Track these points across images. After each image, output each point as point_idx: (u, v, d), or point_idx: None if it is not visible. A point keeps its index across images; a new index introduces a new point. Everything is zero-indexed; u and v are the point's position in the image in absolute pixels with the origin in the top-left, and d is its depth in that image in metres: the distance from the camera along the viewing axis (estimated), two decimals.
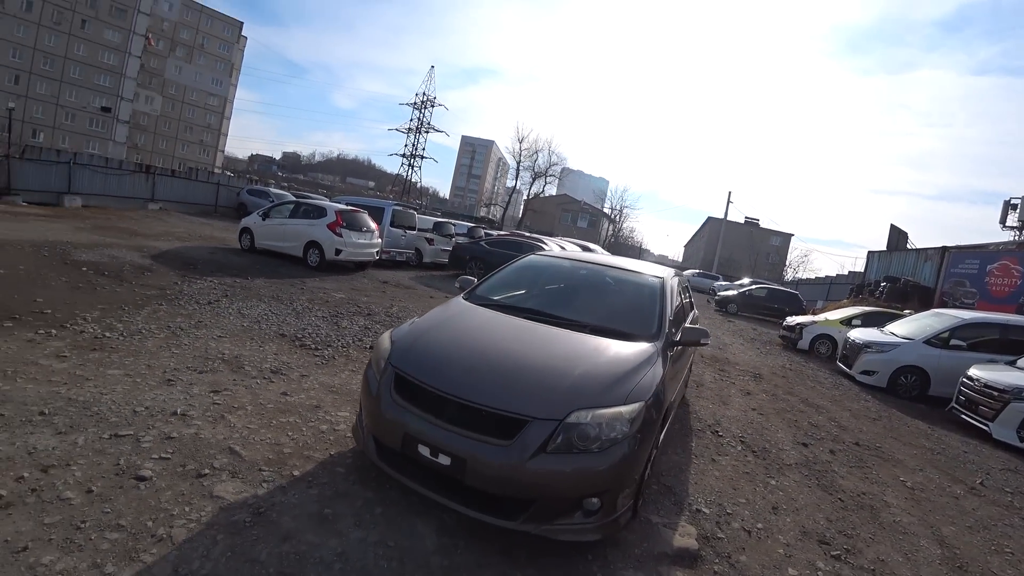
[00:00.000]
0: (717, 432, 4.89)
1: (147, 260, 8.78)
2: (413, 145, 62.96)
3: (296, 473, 2.75)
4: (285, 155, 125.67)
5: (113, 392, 3.38)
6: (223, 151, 75.63)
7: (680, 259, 79.97)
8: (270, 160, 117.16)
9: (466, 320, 3.12)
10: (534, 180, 47.76)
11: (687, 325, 3.50)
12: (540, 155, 47.79)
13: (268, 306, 6.98)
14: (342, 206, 12.66)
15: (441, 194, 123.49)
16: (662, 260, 78.59)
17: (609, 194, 65.83)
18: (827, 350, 12.24)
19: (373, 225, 12.63)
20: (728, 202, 42.71)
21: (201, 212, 23.12)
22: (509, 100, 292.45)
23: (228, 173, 55.97)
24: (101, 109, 53.52)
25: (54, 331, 4.47)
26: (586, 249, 20.62)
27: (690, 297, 5.42)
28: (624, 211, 61.96)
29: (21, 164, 17.00)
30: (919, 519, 3.74)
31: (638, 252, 65.58)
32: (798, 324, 13.10)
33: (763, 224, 61.71)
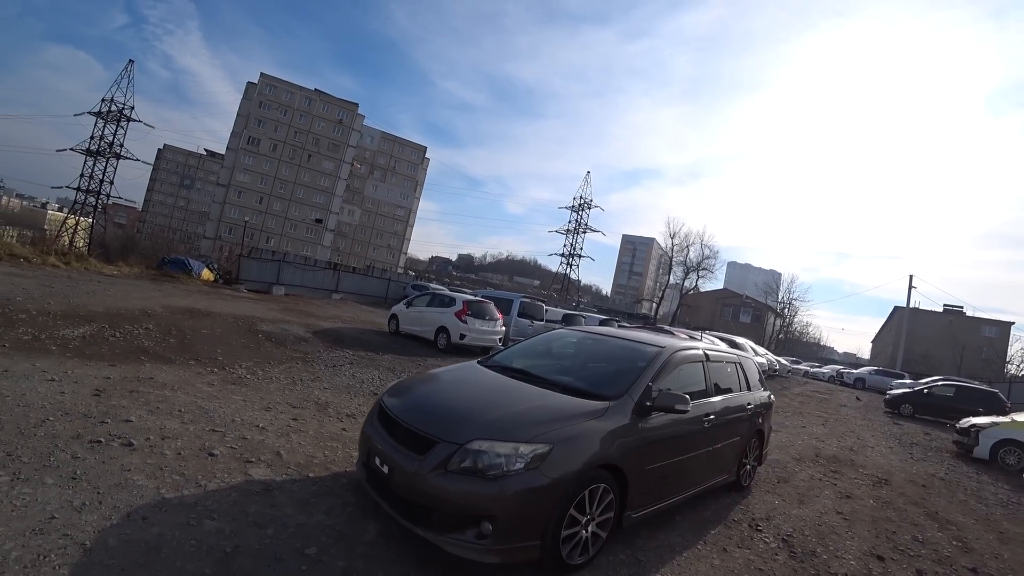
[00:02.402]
0: (756, 526, 4.44)
1: (308, 334, 11.26)
2: (571, 245, 67.57)
3: (311, 475, 3.70)
4: (460, 256, 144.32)
5: (228, 408, 4.88)
6: (406, 253, 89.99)
7: (868, 356, 67.61)
8: (447, 261, 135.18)
9: (456, 374, 3.94)
10: (686, 274, 46.94)
11: (670, 391, 3.62)
12: (691, 249, 47.22)
13: (380, 373, 8.50)
14: (469, 297, 14.63)
15: (604, 292, 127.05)
16: (847, 359, 67.45)
17: (782, 286, 60.53)
18: (1017, 460, 9.45)
19: (497, 315, 14.16)
20: (910, 287, 36.19)
21: (372, 302, 27.65)
22: (671, 198, 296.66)
23: (411, 272, 67.44)
24: (315, 221, 69.74)
25: (216, 370, 6.42)
26: (732, 344, 19.59)
27: (742, 376, 5.29)
28: (793, 304, 56.07)
29: (247, 262, 23.18)
30: None
31: (815, 349, 57.51)
32: (973, 426, 10.40)
33: (970, 312, 50.11)
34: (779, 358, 25.47)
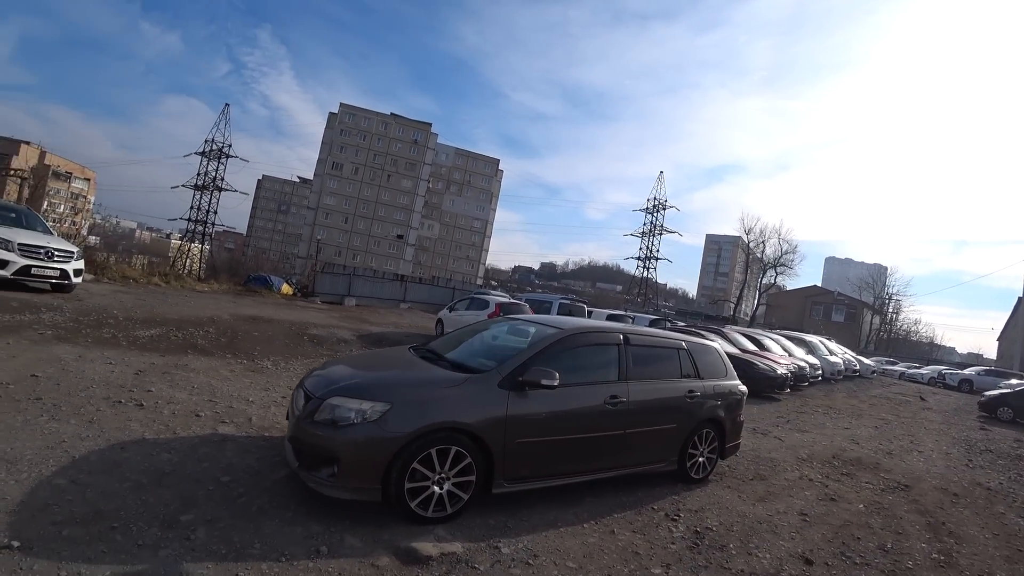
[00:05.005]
0: (674, 516, 4.32)
1: (353, 337, 12.70)
2: (647, 248, 66.97)
3: (267, 435, 4.78)
4: (543, 265, 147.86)
5: (232, 387, 6.17)
6: (485, 264, 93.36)
7: (995, 356, 58.79)
8: (529, 270, 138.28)
9: (373, 353, 4.77)
10: (764, 272, 44.75)
11: (544, 368, 3.93)
12: (767, 245, 44.95)
13: None
14: (501, 299, 15.67)
15: (690, 294, 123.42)
16: (968, 360, 59.18)
17: (887, 281, 55.21)
18: None
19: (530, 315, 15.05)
20: None
21: (438, 310, 29.36)
22: (758, 194, 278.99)
23: (492, 282, 70.86)
24: (397, 237, 74.93)
25: (244, 361, 7.85)
26: (801, 343, 18.77)
27: (687, 362, 5.31)
28: (894, 300, 50.90)
29: (322, 276, 25.88)
30: None
31: (927, 349, 51.43)
32: None
33: None
34: (861, 358, 23.70)
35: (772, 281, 45.95)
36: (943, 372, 29.85)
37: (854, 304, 52.74)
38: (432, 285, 33.96)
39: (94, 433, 4.04)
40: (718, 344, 6.62)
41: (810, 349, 18.81)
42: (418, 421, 3.45)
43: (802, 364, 15.58)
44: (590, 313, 18.41)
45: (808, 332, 25.98)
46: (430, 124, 77.82)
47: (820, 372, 17.03)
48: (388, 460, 3.33)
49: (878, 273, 63.01)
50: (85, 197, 79.88)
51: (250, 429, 4.81)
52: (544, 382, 3.87)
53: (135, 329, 8.47)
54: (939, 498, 6.24)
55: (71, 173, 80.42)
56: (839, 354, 20.91)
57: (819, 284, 67.31)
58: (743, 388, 6.09)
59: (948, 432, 11.76)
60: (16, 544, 2.55)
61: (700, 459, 5.27)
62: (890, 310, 54.01)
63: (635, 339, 4.98)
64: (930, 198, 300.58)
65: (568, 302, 17.57)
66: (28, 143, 71.73)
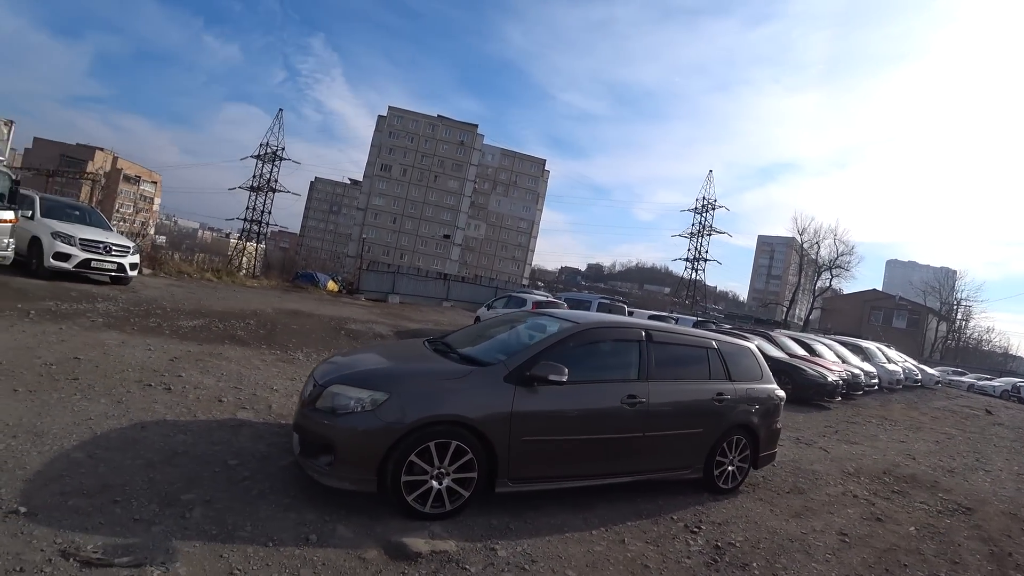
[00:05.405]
0: (695, 528, 4.06)
1: (390, 332, 12.96)
2: (696, 249, 65.55)
3: (283, 422, 4.89)
4: (590, 266, 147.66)
5: (260, 376, 6.39)
6: (531, 264, 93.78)
7: None
8: (576, 271, 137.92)
9: (385, 344, 4.80)
10: (819, 274, 42.67)
11: (548, 362, 3.77)
12: (822, 246, 42.90)
13: None
14: (538, 297, 15.62)
15: (741, 297, 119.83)
16: None
17: (956, 285, 51.50)
18: None
19: None
20: None
21: (479, 308, 29.70)
22: (813, 193, 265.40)
23: (539, 282, 71.55)
24: (443, 237, 76.47)
25: (278, 352, 8.14)
26: (856, 349, 17.81)
27: (717, 363, 5.04)
28: (963, 306, 47.30)
29: (366, 274, 26.63)
30: None
31: (1002, 360, 47.23)
32: None
33: None
34: (924, 367, 22.07)
35: (827, 284, 44.00)
36: (1018, 385, 27.38)
37: (918, 310, 48.89)
38: (475, 284, 34.42)
39: (119, 412, 4.27)
40: (753, 345, 6.25)
41: (866, 356, 17.77)
42: (416, 412, 3.38)
43: (856, 372, 14.68)
44: (631, 313, 18.03)
45: (866, 338, 24.59)
46: (476, 125, 79.18)
47: (876, 381, 16.00)
48: (384, 451, 3.27)
49: (945, 277, 58.59)
50: (151, 199, 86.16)
51: (268, 416, 4.96)
52: (552, 377, 3.71)
53: (179, 319, 8.94)
54: (1006, 524, 5.66)
55: (139, 177, 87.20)
56: (899, 362, 19.58)
57: (879, 288, 63.67)
58: (781, 393, 5.73)
59: (1022, 450, 10.72)
60: (23, 510, 2.70)
61: (729, 468, 4.97)
62: (959, 317, 50.32)
63: (659, 336, 4.72)
64: (1004, 196, 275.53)
65: (608, 301, 17.33)
66: (102, 149, 78.31)
